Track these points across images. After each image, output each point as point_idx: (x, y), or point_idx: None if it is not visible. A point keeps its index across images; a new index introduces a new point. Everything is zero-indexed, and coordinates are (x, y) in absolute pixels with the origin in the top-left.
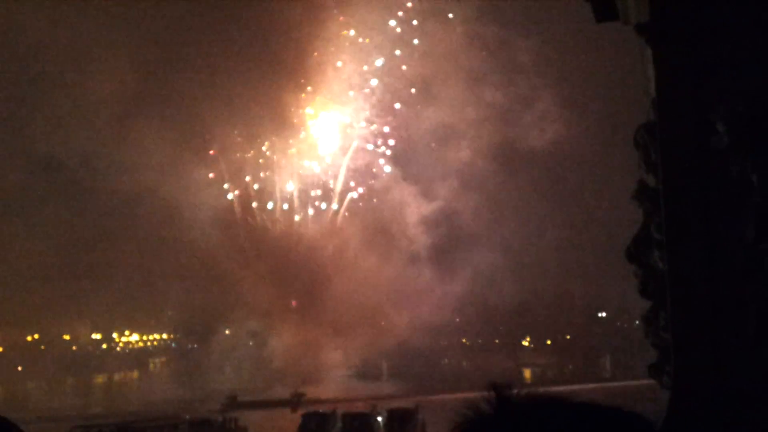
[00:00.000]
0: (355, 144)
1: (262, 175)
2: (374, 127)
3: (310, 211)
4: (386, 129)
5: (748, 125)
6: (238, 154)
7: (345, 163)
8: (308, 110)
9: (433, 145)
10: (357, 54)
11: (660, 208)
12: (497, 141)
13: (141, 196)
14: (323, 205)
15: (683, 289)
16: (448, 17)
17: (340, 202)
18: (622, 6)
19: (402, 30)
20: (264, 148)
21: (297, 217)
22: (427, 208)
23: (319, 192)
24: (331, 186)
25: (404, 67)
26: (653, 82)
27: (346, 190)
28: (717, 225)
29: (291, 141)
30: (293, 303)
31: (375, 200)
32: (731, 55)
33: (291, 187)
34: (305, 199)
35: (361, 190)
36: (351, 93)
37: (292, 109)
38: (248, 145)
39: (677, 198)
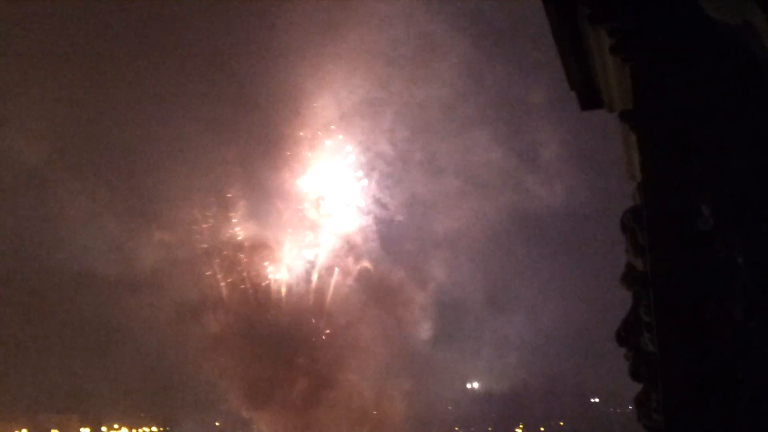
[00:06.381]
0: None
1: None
2: (358, 192)
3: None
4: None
5: (733, 207)
6: (204, 226)
7: (329, 237)
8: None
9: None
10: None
11: (648, 291)
12: (483, 212)
13: (106, 278)
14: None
15: (674, 370)
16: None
17: (327, 279)
18: (606, 94)
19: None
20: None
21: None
22: (416, 294)
23: (302, 267)
24: (311, 268)
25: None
26: (638, 166)
27: (329, 268)
28: (705, 306)
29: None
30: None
31: (356, 281)
32: (714, 138)
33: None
34: (287, 276)
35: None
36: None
37: (267, 177)
38: (220, 215)
39: (665, 280)
